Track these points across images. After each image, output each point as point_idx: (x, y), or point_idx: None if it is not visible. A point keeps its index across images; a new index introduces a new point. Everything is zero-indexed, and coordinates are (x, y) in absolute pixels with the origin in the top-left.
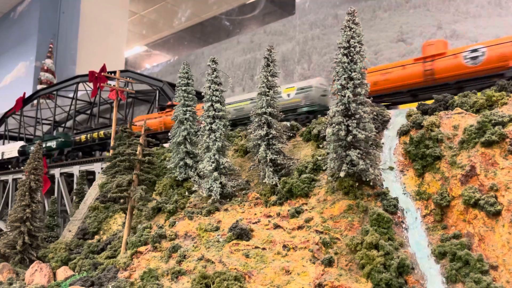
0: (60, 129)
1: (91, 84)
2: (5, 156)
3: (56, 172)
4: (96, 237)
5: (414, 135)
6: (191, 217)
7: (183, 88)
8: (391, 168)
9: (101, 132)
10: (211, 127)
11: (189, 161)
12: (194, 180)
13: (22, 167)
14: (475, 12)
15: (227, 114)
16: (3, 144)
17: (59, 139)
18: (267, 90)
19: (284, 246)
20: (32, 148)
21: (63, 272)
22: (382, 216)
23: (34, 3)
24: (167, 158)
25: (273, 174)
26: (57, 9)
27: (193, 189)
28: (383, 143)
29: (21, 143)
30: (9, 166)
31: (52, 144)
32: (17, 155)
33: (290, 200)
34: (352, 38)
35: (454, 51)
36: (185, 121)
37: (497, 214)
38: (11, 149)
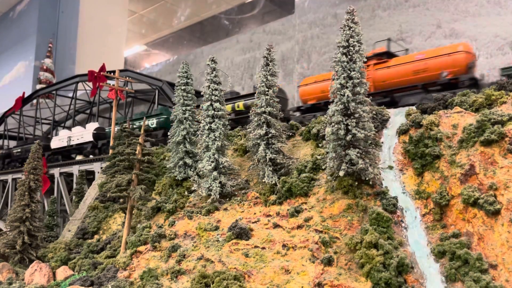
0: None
1: (90, 84)
2: (73, 142)
3: (56, 171)
4: (96, 236)
5: (414, 134)
6: (191, 216)
7: (182, 87)
8: (391, 167)
9: (240, 103)
10: (211, 126)
11: (188, 161)
12: (194, 180)
13: (102, 155)
14: (474, 11)
15: (226, 113)
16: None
17: (162, 116)
18: (267, 89)
19: (284, 246)
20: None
21: (62, 272)
22: (381, 215)
23: (33, 2)
24: (166, 158)
25: (272, 173)
26: (56, 8)
27: (193, 188)
28: (382, 142)
29: (95, 124)
30: (75, 155)
31: (151, 122)
32: (91, 139)
33: (289, 200)
34: (351, 37)
35: None
36: (184, 121)
37: (496, 213)
38: (81, 133)
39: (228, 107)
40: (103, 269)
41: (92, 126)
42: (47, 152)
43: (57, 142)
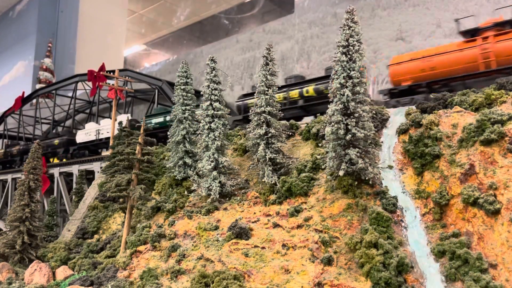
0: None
1: (90, 83)
2: (103, 136)
3: (56, 171)
4: (96, 236)
5: (413, 133)
6: (191, 216)
7: (182, 87)
8: (390, 167)
9: (309, 88)
10: (210, 126)
11: (188, 160)
12: (193, 179)
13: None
14: (474, 10)
15: (226, 112)
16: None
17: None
18: (266, 89)
19: (284, 245)
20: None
21: (62, 272)
22: (381, 215)
23: (33, 2)
24: (166, 157)
25: (272, 173)
26: (56, 8)
27: (192, 188)
28: (382, 142)
29: (128, 116)
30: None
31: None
32: None
33: (289, 199)
34: (351, 37)
35: None
36: (184, 120)
37: (496, 212)
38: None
39: (294, 93)
40: (103, 269)
41: (124, 118)
42: (73, 146)
43: (83, 136)
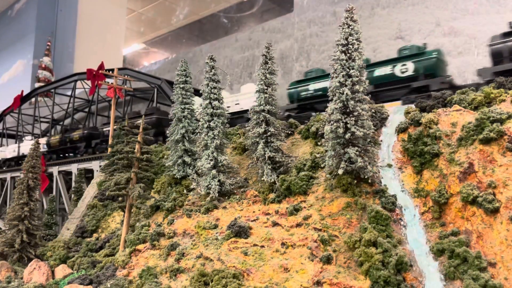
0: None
1: (89, 82)
2: (244, 107)
3: (55, 170)
4: (95, 235)
5: (412, 132)
6: (190, 215)
7: (181, 85)
8: (390, 166)
9: None
10: (209, 124)
11: (187, 159)
12: (193, 178)
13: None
14: (473, 9)
15: (225, 111)
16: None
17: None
18: (266, 87)
19: (283, 244)
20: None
21: (61, 270)
22: (380, 213)
23: (32, 1)
24: (165, 156)
25: (271, 171)
26: (55, 6)
27: (192, 187)
28: (381, 141)
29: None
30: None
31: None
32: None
33: (288, 198)
34: (350, 35)
35: None
36: (183, 119)
37: (495, 211)
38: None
39: None
40: (102, 267)
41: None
42: None
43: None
